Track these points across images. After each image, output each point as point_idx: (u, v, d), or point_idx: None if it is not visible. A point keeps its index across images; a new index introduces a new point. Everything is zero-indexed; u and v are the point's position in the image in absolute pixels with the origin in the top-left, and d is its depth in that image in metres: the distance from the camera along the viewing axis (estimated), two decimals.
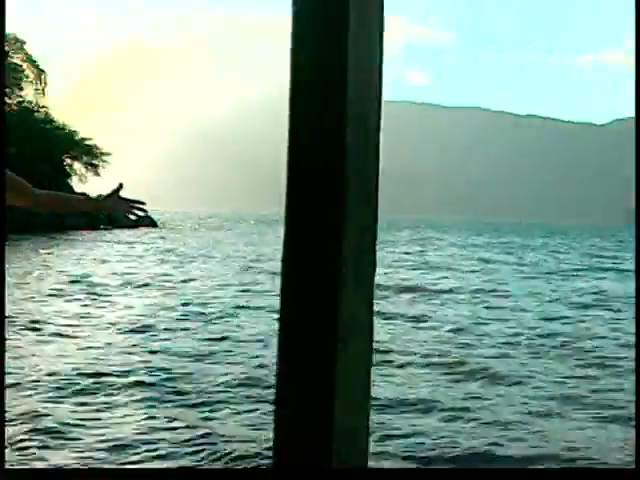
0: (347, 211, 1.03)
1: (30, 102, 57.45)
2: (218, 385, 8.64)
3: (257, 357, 10.19)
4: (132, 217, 3.97)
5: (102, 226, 52.58)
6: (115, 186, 3.96)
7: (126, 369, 9.47)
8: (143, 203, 3.96)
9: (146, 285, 18.73)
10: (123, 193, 4.00)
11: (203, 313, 14.34)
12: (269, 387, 8.23)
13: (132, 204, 3.93)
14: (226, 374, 9.24)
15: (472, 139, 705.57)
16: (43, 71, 58.77)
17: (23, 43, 57.04)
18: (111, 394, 8.32)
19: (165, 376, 9.09)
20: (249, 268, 23.11)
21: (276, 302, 0.98)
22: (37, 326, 12.21)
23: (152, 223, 66.46)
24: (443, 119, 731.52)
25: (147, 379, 8.98)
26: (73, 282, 19.16)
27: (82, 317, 13.82)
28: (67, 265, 24.45)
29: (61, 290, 17.59)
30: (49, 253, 30.57)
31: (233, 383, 8.75)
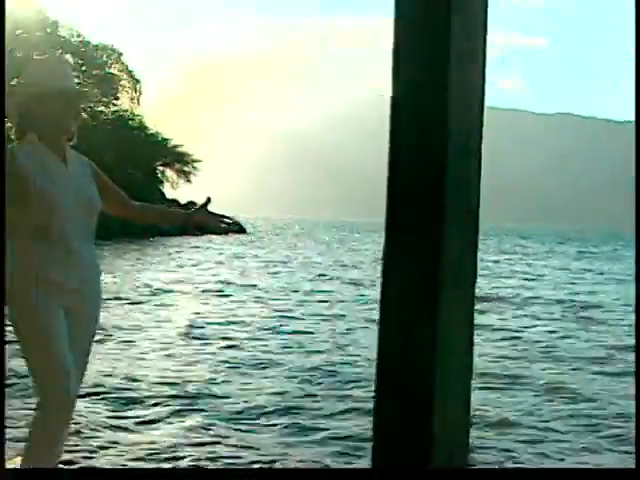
0: (447, 226, 1.03)
1: (125, 111, 58.61)
2: None
3: None
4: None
5: (196, 232, 53.43)
6: (204, 199, 4.25)
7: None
8: (229, 218, 4.25)
9: (256, 291, 18.69)
10: (214, 202, 4.28)
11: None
12: None
13: (220, 219, 4.24)
14: None
15: (564, 146, 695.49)
16: (138, 81, 59.91)
17: (120, 54, 58.30)
18: None
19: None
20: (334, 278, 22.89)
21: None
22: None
23: (241, 230, 67.18)
24: (534, 125, 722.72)
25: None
26: (218, 282, 19.65)
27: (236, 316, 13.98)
28: (191, 269, 25.04)
29: (209, 291, 17.99)
30: (170, 254, 31.36)
31: None
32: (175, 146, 62.28)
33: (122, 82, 57.93)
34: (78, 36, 55.01)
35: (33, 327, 3.69)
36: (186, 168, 62.72)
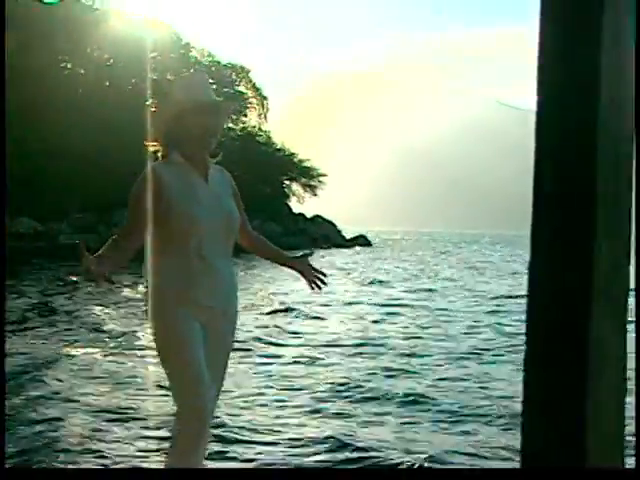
0: (598, 238, 1.00)
1: (253, 127, 59.58)
2: None
3: None
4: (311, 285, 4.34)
5: (323, 245, 53.84)
6: (307, 252, 4.45)
7: None
8: (324, 275, 4.41)
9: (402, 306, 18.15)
10: (339, 216, 4.45)
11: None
12: None
13: (315, 273, 4.37)
14: None
15: None
16: (265, 97, 60.86)
17: (248, 72, 59.34)
18: None
19: None
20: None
21: None
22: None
23: (367, 242, 67.39)
24: None
25: None
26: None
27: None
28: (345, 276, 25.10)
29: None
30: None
31: None
32: (301, 160, 62.85)
33: (250, 99, 58.90)
34: (209, 56, 56.31)
35: (172, 340, 3.81)
36: (312, 182, 63.24)
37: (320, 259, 37.96)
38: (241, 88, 58.36)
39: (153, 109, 4.22)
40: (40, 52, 39.55)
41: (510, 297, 20.05)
